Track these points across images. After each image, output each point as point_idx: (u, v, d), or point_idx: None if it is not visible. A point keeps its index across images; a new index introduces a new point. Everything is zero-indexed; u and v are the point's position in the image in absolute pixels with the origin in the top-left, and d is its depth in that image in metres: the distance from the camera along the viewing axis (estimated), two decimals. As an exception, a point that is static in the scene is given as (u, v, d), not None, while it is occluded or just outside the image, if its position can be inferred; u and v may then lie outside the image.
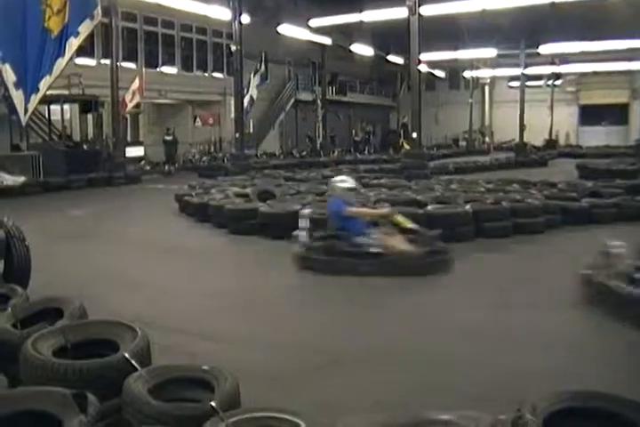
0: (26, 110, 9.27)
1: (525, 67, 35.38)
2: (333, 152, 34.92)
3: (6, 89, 12.26)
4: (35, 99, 9.09)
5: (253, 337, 5.28)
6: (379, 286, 6.99)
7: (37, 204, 15.36)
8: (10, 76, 8.92)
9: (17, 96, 9.06)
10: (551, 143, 38.43)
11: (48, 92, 10.66)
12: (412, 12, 19.18)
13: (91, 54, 24.23)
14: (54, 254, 8.37)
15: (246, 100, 25.94)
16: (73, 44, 9.23)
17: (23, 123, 10.51)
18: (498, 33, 32.08)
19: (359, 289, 6.93)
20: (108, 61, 22.70)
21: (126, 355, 3.39)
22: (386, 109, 48.02)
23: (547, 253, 8.88)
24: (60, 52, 8.92)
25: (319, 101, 36.28)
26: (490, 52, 35.14)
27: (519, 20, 28.27)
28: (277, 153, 32.88)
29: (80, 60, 22.43)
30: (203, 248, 9.68)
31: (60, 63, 9.07)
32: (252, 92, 27.32)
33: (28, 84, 8.92)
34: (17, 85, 8.94)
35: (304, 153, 33.36)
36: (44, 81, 8.97)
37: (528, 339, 5.16)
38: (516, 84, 40.02)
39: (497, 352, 4.79)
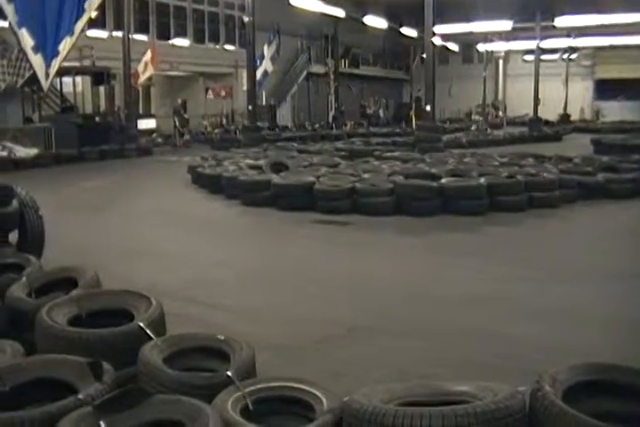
0: (47, 75, 9.14)
1: (541, 40, 34.78)
2: (346, 125, 34.67)
3: (25, 54, 12.12)
4: (55, 62, 8.96)
5: (266, 307, 5.27)
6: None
7: (50, 175, 15.37)
8: (27, 41, 8.79)
9: (36, 60, 8.93)
10: (565, 118, 37.99)
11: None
12: (427, -17, 18.82)
13: (102, 26, 24.01)
14: (67, 225, 8.37)
15: (259, 73, 25.66)
16: (94, 2, 9.07)
17: (45, 88, 10.36)
18: (513, 5, 31.50)
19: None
20: (119, 33, 22.53)
21: (141, 324, 3.37)
22: (399, 83, 47.55)
23: (560, 228, 8.80)
24: (80, 14, 8.77)
25: (332, 74, 35.89)
26: (505, 25, 34.53)
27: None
28: (290, 126, 32.70)
29: (92, 32, 22.24)
30: (215, 219, 9.68)
31: (79, 24, 8.93)
32: (267, 64, 27.01)
33: (47, 47, 8.79)
34: (35, 49, 8.81)
35: (316, 126, 33.16)
36: (63, 43, 8.83)
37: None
38: (530, 57, 39.44)
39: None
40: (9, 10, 8.61)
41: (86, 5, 8.79)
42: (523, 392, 2.76)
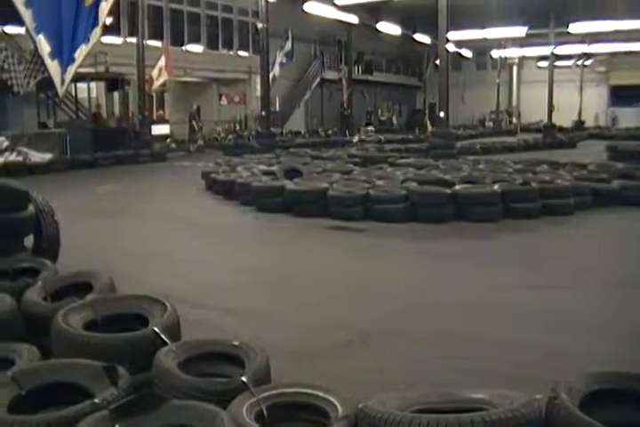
0: (63, 81, 9.25)
1: (555, 46, 34.68)
2: (359, 131, 34.70)
3: (42, 60, 12.25)
4: (71, 69, 9.07)
5: (281, 314, 5.26)
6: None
7: (64, 181, 15.46)
8: (44, 47, 8.91)
9: (52, 66, 9.06)
10: (580, 124, 37.84)
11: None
12: (441, -11, 18.83)
13: (117, 32, 24.21)
14: (82, 230, 8.41)
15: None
16: (103, 8, 9.19)
17: (60, 94, 10.51)
18: (527, 11, 31.45)
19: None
20: (133, 40, 22.69)
21: (156, 329, 3.37)
22: (412, 89, 47.58)
23: (576, 235, 8.75)
24: (96, 22, 8.88)
25: (345, 80, 35.96)
26: (519, 31, 34.42)
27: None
28: (303, 132, 32.78)
29: (106, 39, 22.40)
30: (230, 225, 9.71)
31: (96, 32, 9.04)
32: (275, 70, 27.14)
33: (64, 54, 8.90)
34: (52, 56, 8.94)
35: (330, 132, 33.22)
36: (79, 50, 8.95)
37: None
38: (544, 64, 39.30)
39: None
40: (27, 16, 8.73)
41: (100, 14, 8.90)
42: (539, 400, 2.74)
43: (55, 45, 8.81)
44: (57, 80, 9.18)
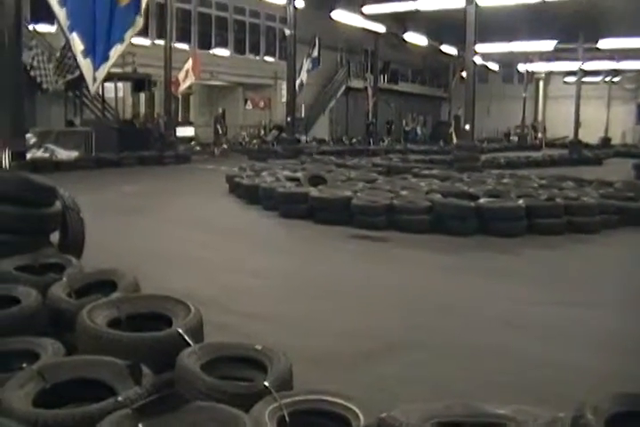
0: (95, 79, 9.31)
1: (583, 62, 34.46)
2: (383, 141, 34.70)
3: (75, 58, 12.28)
4: (105, 67, 9.13)
5: (300, 320, 5.25)
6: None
7: (89, 178, 15.60)
8: (77, 45, 8.97)
9: (85, 64, 9.11)
10: (606, 141, 37.53)
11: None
12: (470, 1, 18.81)
13: (145, 34, 24.44)
14: (106, 229, 8.46)
15: (296, 85, 25.88)
16: (141, 9, 9.28)
17: (92, 91, 10.62)
18: (555, 26, 31.26)
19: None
20: (161, 42, 22.88)
21: (180, 330, 3.37)
22: (437, 100, 47.52)
23: (602, 253, 8.64)
24: (132, 23, 8.96)
25: (370, 89, 35.98)
26: (547, 45, 34.25)
27: (579, 13, 27.48)
28: (327, 139, 32.85)
29: (135, 40, 22.51)
30: (252, 229, 9.73)
31: (131, 33, 9.11)
32: (303, 76, 27.23)
33: (97, 52, 8.97)
34: (84, 54, 9.00)
35: (354, 140, 33.25)
36: (114, 49, 9.00)
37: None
38: (571, 79, 39.13)
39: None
40: (61, 14, 8.81)
41: (137, 16, 8.97)
42: (563, 419, 2.70)
43: (88, 44, 8.88)
44: (89, 78, 9.24)
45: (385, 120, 38.76)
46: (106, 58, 9.06)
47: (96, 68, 9.11)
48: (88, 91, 20.08)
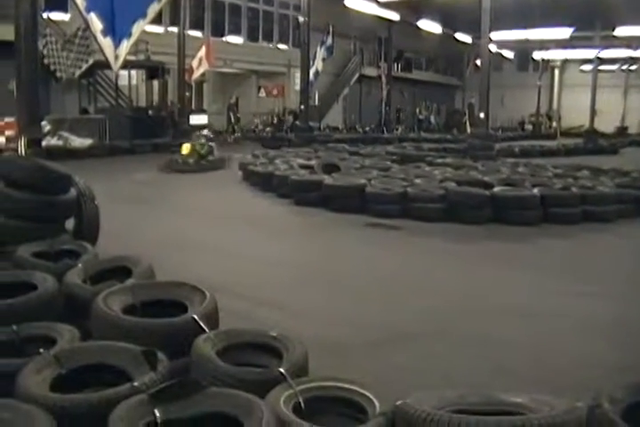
0: (116, 57, 9.30)
1: (600, 50, 34.05)
2: (397, 129, 34.55)
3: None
4: (127, 44, 9.11)
5: (315, 309, 5.25)
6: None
7: (103, 166, 15.64)
8: (96, 25, 8.96)
9: (105, 43, 9.10)
10: (622, 130, 37.15)
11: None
12: (485, -13, 18.61)
13: (158, 22, 24.36)
14: (120, 216, 8.48)
15: (311, 73, 25.77)
16: None
17: (115, 69, 10.57)
18: (571, 13, 30.89)
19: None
20: (175, 29, 22.82)
21: (195, 316, 3.38)
22: (451, 88, 47.18)
23: (617, 244, 8.57)
24: None
25: (384, 77, 35.77)
26: (563, 33, 33.82)
27: (595, 0, 27.14)
28: (340, 127, 32.74)
29: (148, 28, 22.43)
30: (266, 217, 9.73)
31: (155, 7, 9.06)
32: (318, 64, 27.09)
33: (116, 30, 8.94)
34: (104, 33, 8.99)
35: (367, 128, 33.12)
36: (136, 25, 8.97)
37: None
38: (587, 67, 38.72)
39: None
40: None
41: None
42: (580, 408, 2.69)
43: (107, 22, 8.86)
44: (110, 56, 9.22)
45: (394, 108, 38.56)
46: (128, 34, 9.03)
47: (117, 46, 9.11)
48: (101, 78, 20.17)
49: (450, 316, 5.18)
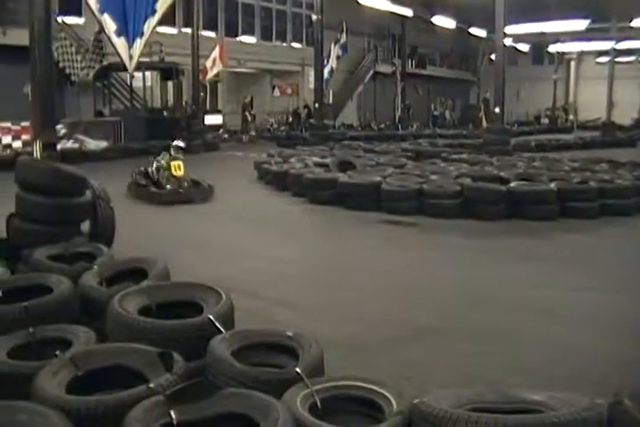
0: (131, 57, 9.36)
1: (616, 41, 33.64)
2: (412, 126, 34.41)
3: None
4: (140, 43, 9.15)
5: (331, 306, 5.24)
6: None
7: (118, 168, 15.68)
8: (110, 26, 9.01)
9: (119, 44, 9.16)
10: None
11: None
12: (499, -19, 18.45)
13: (172, 23, 24.47)
14: (136, 218, 8.53)
15: (326, 71, 25.73)
16: None
17: (130, 70, 10.64)
18: (587, 5, 30.56)
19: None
20: (188, 30, 22.90)
21: (211, 317, 3.38)
22: (466, 84, 46.87)
23: (636, 238, 8.47)
24: None
25: (398, 74, 35.64)
26: (579, 25, 33.41)
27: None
28: (355, 125, 32.68)
29: (161, 29, 22.60)
30: (282, 216, 9.73)
31: (163, 3, 9.08)
32: (333, 62, 27.06)
33: (129, 29, 8.99)
34: (118, 33, 9.04)
35: (382, 125, 33.02)
36: (147, 24, 9.00)
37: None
38: (604, 59, 38.30)
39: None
40: None
41: None
42: (600, 405, 2.65)
43: (120, 22, 8.91)
44: (125, 56, 9.27)
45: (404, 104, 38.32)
46: (140, 33, 9.06)
47: (131, 46, 9.14)
48: (116, 80, 20.24)
49: (463, 312, 5.15)
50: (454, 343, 4.43)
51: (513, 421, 2.45)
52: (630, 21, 31.53)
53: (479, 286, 5.92)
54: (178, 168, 10.76)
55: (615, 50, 33.82)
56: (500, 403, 2.74)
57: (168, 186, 10.61)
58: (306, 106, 28.49)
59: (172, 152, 11.16)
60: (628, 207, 9.65)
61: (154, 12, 9.03)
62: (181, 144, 11.49)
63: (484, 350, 4.29)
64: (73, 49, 18.61)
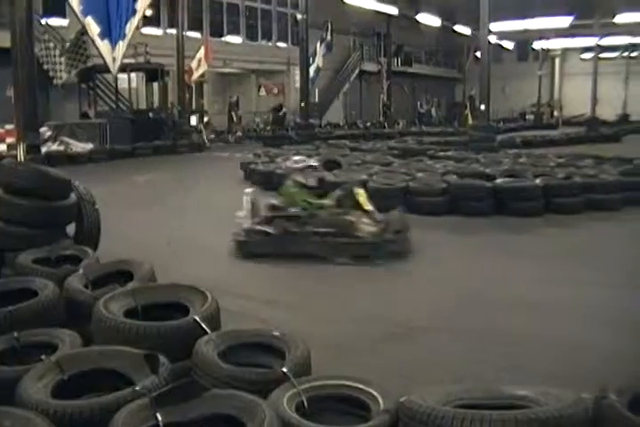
0: (114, 59, 9.34)
1: (600, 37, 33.84)
2: (398, 124, 34.46)
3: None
4: (123, 45, 9.13)
5: (320, 306, 5.25)
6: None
7: (104, 170, 15.65)
8: (94, 29, 8.99)
9: (103, 46, 9.14)
10: (624, 118, 36.96)
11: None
12: (483, -21, 18.52)
13: (157, 24, 24.39)
14: (121, 219, 8.47)
15: (312, 70, 25.72)
16: None
17: (113, 72, 10.64)
18: (571, 2, 30.72)
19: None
20: (173, 31, 22.84)
21: (197, 318, 3.37)
22: (451, 81, 47.02)
23: (621, 232, 8.52)
24: None
25: (384, 72, 35.68)
26: (563, 22, 33.62)
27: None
28: (341, 124, 32.69)
29: (146, 30, 22.58)
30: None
31: (142, 2, 9.05)
32: (319, 61, 27.05)
33: (112, 32, 8.98)
34: (102, 36, 9.02)
35: (368, 124, 33.06)
36: (129, 24, 8.98)
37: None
38: (588, 55, 38.50)
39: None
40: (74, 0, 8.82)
41: None
42: (586, 400, 2.67)
43: (104, 25, 8.89)
44: (109, 59, 9.25)
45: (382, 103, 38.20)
46: (123, 35, 9.04)
47: (114, 48, 9.13)
48: (101, 82, 20.12)
49: (455, 308, 5.17)
50: (445, 341, 4.47)
51: (498, 416, 2.45)
52: (613, 17, 31.71)
53: (469, 283, 5.94)
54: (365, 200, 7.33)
55: (599, 46, 33.99)
56: (487, 399, 2.75)
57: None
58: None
59: (300, 179, 7.48)
60: (613, 202, 9.71)
61: (134, 12, 9.01)
62: (313, 163, 8.12)
63: (474, 348, 4.31)
64: (57, 51, 18.50)
